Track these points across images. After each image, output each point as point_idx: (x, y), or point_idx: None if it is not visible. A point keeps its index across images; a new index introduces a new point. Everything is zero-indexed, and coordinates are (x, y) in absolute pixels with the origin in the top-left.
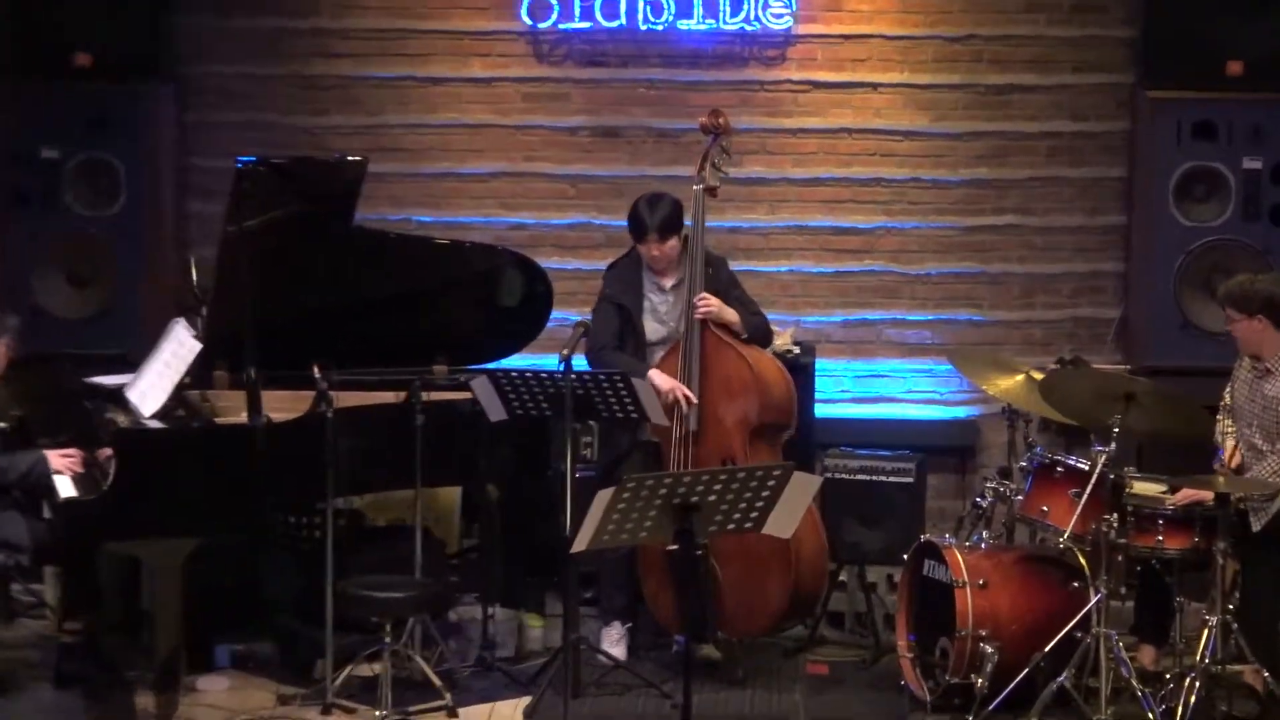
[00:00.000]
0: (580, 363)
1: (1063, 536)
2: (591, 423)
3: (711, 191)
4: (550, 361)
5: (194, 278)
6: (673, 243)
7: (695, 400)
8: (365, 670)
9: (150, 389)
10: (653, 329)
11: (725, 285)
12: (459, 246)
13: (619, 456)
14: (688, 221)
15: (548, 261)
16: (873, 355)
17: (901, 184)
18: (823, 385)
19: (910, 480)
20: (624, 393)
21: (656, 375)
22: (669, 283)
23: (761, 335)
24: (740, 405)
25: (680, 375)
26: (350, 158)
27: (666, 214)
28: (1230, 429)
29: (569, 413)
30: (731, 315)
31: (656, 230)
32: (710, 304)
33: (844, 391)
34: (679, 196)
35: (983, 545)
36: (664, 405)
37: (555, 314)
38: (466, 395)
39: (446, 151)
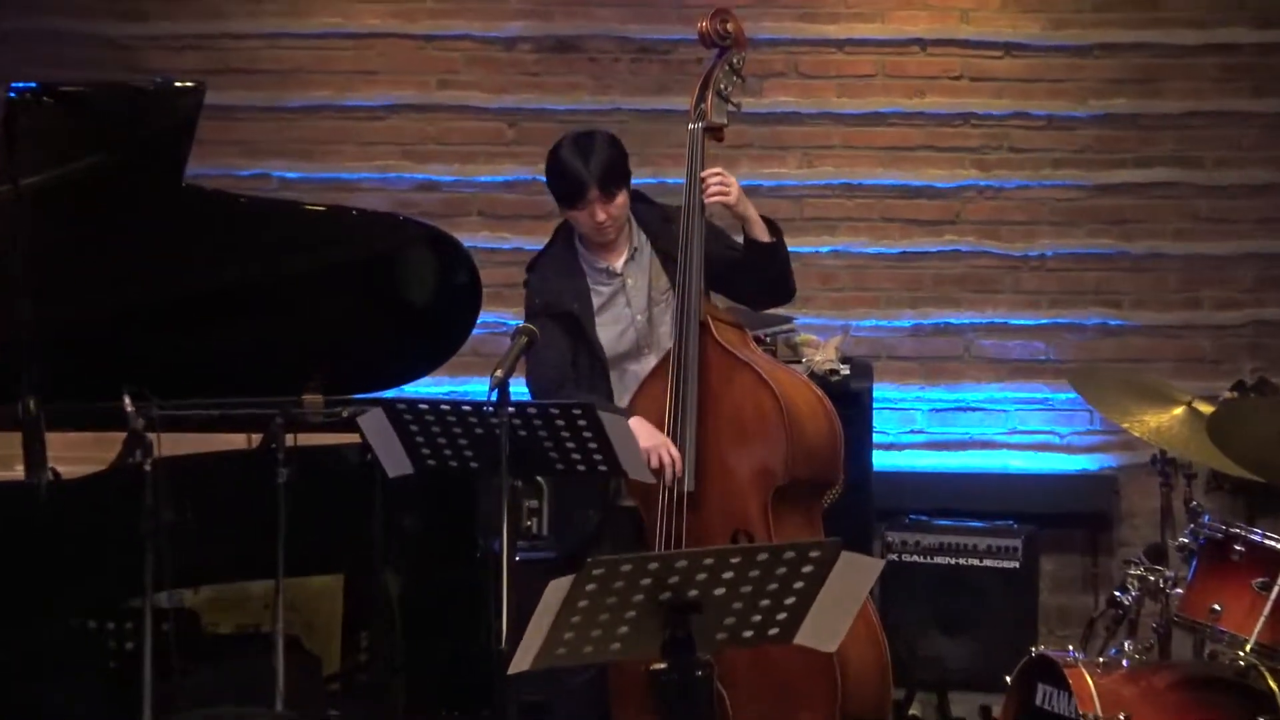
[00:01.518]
0: (522, 390)
1: (1244, 649)
2: (540, 480)
3: (716, 133)
4: (477, 388)
5: None
6: (621, 199)
7: (679, 469)
8: None
9: None
10: (610, 337)
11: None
12: (342, 217)
13: (583, 531)
14: (678, 179)
15: (474, 239)
16: (958, 378)
17: (1001, 122)
18: (884, 422)
19: (1015, 564)
20: (588, 433)
21: (637, 425)
22: (619, 260)
23: (787, 282)
24: (759, 452)
25: (669, 409)
26: (179, 83)
27: (607, 157)
28: None
29: (506, 464)
30: (753, 212)
31: (598, 182)
32: (727, 183)
33: (915, 432)
34: (662, 145)
35: (1124, 662)
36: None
37: (485, 316)
38: (353, 438)
39: (323, 74)
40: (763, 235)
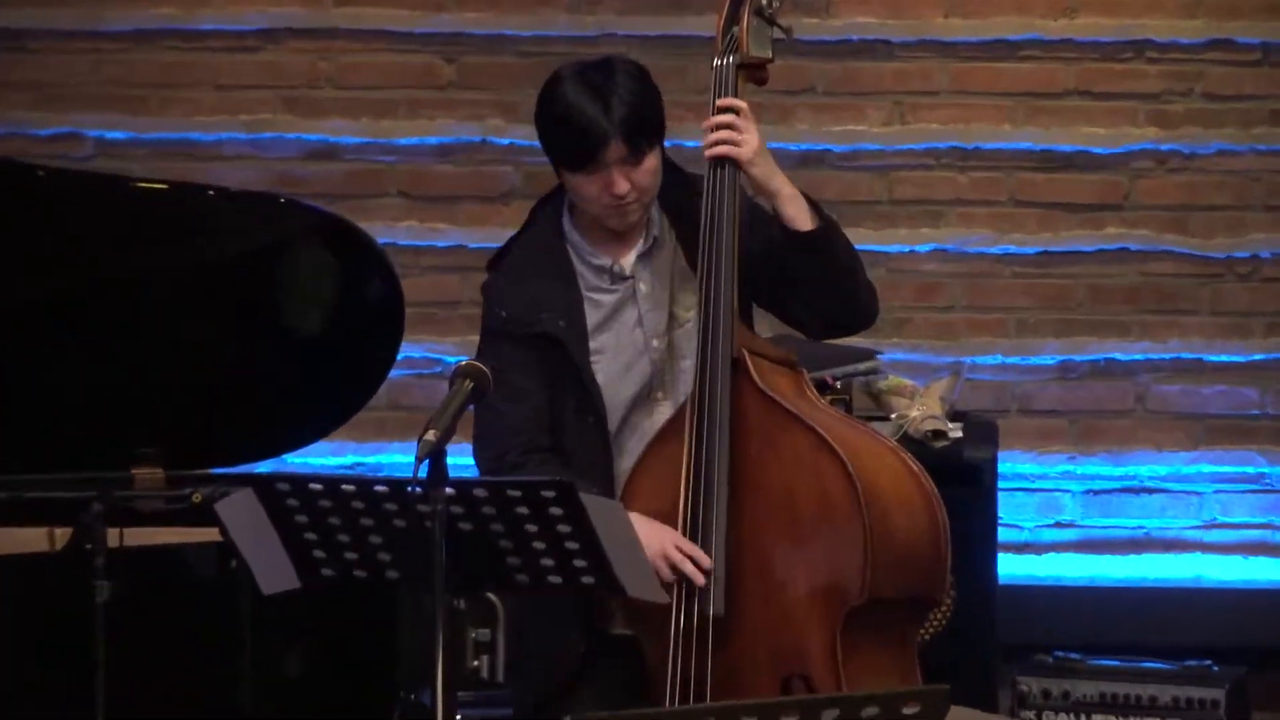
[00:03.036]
0: (466, 461)
1: None
2: (494, 599)
3: (755, 72)
4: (398, 459)
5: None
6: (652, 162)
7: (704, 572)
8: None
9: None
10: (611, 373)
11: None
12: (193, 199)
13: (557, 672)
14: (695, 142)
15: (393, 231)
16: (1127, 442)
17: (1192, 55)
18: (1015, 511)
19: None
20: (565, 527)
21: (638, 521)
22: (628, 255)
23: (853, 296)
24: (822, 557)
25: (685, 490)
26: None
27: (635, 97)
28: None
29: (440, 574)
30: (781, 182)
31: (624, 133)
32: (737, 129)
33: (1063, 525)
34: (676, 90)
35: None
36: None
37: (409, 349)
38: (210, 534)
39: None
40: (800, 220)
